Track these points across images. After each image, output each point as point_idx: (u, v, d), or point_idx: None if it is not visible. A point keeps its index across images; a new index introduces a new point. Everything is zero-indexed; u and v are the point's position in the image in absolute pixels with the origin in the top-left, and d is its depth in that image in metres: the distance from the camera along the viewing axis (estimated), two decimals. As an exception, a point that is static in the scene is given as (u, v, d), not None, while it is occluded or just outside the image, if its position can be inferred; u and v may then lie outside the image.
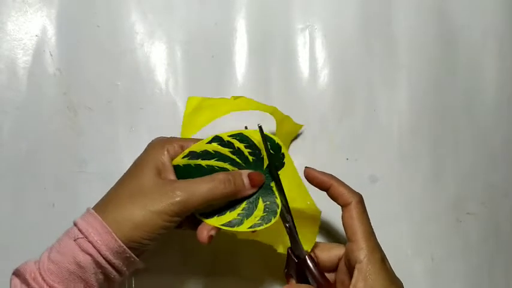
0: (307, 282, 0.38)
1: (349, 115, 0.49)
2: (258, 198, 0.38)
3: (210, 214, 0.37)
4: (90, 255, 0.32)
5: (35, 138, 0.46)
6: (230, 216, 0.37)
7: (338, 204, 0.39)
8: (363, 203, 0.38)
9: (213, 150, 0.38)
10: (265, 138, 0.38)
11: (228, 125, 0.40)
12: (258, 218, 0.37)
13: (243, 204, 0.38)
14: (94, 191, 0.45)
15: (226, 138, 0.38)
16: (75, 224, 0.34)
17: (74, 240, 0.33)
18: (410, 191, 0.50)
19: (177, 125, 0.47)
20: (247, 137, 0.39)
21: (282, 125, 0.45)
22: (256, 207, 0.38)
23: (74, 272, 0.32)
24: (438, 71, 0.51)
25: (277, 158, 0.39)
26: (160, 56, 0.48)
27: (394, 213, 0.49)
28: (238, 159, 0.39)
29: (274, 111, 0.44)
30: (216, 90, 0.48)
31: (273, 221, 0.37)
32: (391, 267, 0.37)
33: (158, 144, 0.38)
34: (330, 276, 0.40)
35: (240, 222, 0.37)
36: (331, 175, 0.40)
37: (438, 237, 0.49)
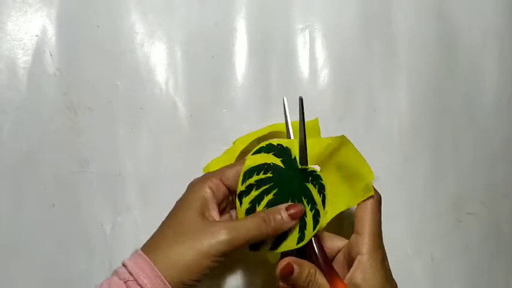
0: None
1: (349, 115, 0.49)
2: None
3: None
4: None
5: (35, 138, 0.45)
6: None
7: None
8: (380, 203, 0.39)
9: (259, 163, 0.39)
10: (302, 112, 0.40)
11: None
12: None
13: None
14: (94, 191, 0.46)
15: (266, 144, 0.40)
16: (124, 265, 0.34)
17: (124, 282, 0.33)
18: (411, 191, 0.50)
19: (177, 125, 0.47)
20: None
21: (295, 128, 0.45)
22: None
23: None
24: (438, 71, 0.51)
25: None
26: (160, 56, 0.48)
27: (394, 213, 0.49)
28: (281, 162, 0.40)
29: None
30: (216, 90, 0.48)
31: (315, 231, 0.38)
32: (389, 269, 0.38)
33: (198, 183, 0.39)
34: None
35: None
36: None
37: (438, 237, 0.50)
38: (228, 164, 0.41)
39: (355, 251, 0.37)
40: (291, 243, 0.38)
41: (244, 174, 0.39)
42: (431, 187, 0.50)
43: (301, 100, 0.40)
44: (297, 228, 0.38)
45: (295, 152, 0.40)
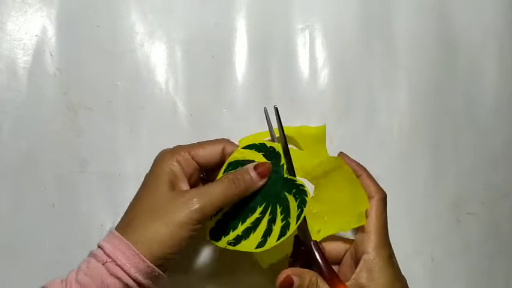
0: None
1: (349, 115, 0.49)
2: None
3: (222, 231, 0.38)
4: (119, 278, 0.32)
5: (35, 138, 0.45)
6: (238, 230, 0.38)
7: None
8: (385, 201, 0.39)
9: (246, 158, 0.39)
10: (280, 121, 0.40)
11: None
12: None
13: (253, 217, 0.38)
14: (94, 191, 0.46)
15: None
16: (100, 247, 0.34)
17: (103, 264, 0.33)
18: (411, 191, 0.50)
19: (177, 125, 0.47)
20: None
21: (301, 134, 0.46)
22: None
23: None
24: (438, 71, 0.51)
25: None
26: (160, 56, 0.48)
27: (394, 213, 0.49)
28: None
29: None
30: (216, 90, 0.48)
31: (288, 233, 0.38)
32: (397, 265, 0.37)
33: (166, 155, 0.38)
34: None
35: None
36: (363, 167, 0.41)
37: (438, 237, 0.50)
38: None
39: (361, 250, 0.37)
40: (250, 244, 0.38)
41: (229, 164, 0.39)
42: (431, 187, 0.50)
43: (276, 110, 0.40)
44: (261, 233, 0.38)
45: (283, 159, 0.40)
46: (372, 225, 0.37)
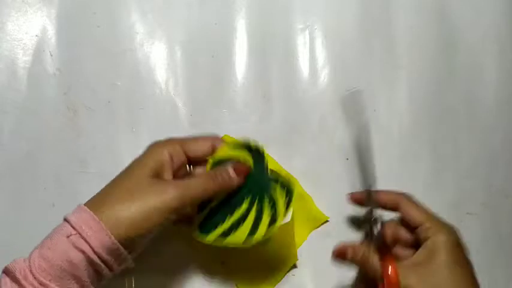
0: None
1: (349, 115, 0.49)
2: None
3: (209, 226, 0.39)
4: (83, 252, 0.32)
5: (35, 138, 0.45)
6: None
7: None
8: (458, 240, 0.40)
9: (231, 156, 0.39)
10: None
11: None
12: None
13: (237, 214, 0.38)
14: (94, 191, 0.45)
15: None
16: (66, 220, 0.33)
17: (67, 237, 0.32)
18: (411, 191, 0.50)
19: (177, 125, 0.47)
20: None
21: (302, 205, 0.47)
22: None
23: (65, 269, 0.31)
24: (438, 71, 0.51)
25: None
26: (160, 56, 0.48)
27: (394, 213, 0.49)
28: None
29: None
30: (216, 90, 0.48)
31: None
32: (465, 255, 0.40)
33: (158, 144, 0.38)
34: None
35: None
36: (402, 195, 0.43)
37: (438, 237, 0.49)
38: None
39: (424, 237, 0.39)
40: (240, 236, 0.38)
41: (213, 163, 0.39)
42: (431, 187, 0.50)
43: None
44: (250, 224, 0.38)
45: (267, 161, 0.40)
46: (423, 215, 0.41)
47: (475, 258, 0.50)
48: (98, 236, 0.32)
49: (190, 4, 0.48)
